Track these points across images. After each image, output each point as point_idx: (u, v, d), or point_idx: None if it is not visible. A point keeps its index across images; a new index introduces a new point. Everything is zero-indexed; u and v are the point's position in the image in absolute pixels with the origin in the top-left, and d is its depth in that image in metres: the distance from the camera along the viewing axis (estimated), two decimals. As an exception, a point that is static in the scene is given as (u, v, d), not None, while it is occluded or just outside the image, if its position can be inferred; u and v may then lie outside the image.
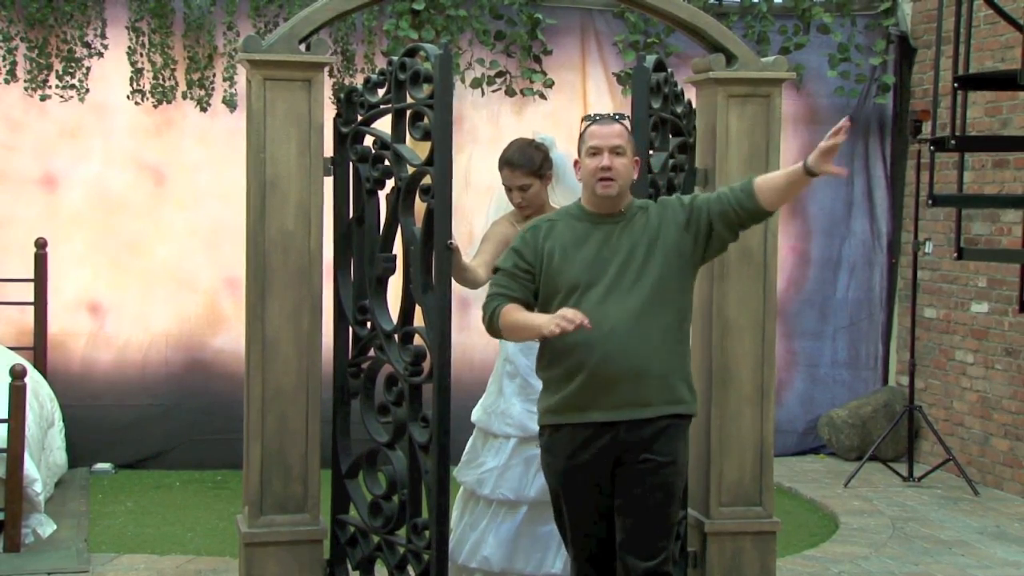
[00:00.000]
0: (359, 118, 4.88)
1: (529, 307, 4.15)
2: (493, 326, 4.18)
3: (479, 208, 6.63)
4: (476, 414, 5.07)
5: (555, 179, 4.98)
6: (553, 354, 4.10)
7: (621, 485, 4.05)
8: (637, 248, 4.07)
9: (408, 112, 4.68)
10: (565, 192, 5.05)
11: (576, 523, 4.14)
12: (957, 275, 8.01)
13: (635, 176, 4.18)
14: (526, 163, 4.85)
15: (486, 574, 4.89)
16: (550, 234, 4.16)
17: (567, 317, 3.89)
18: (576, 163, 4.20)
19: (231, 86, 7.67)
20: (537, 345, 4.22)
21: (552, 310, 4.04)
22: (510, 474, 4.86)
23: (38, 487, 6.02)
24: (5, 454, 5.78)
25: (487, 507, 4.92)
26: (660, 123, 4.91)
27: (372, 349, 4.89)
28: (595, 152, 4.10)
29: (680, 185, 5.01)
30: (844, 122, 3.98)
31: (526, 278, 4.15)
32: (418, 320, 4.74)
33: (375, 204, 4.88)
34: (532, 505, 4.82)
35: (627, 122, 4.25)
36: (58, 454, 7.10)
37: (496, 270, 4.25)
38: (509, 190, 4.91)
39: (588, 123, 4.19)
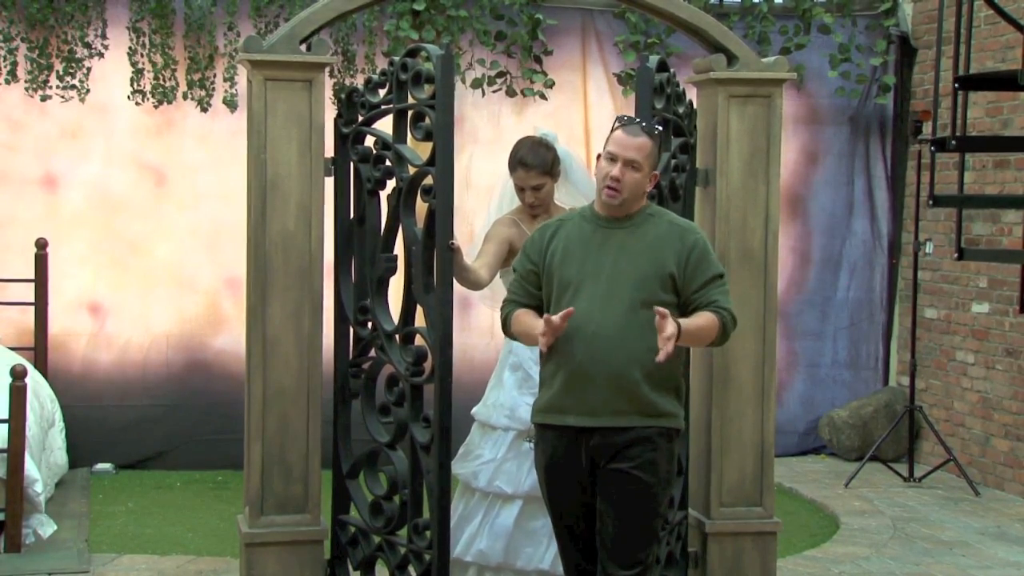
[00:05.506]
0: (360, 118, 4.88)
1: (540, 309, 4.15)
2: (508, 332, 4.26)
3: (480, 208, 6.62)
4: (476, 407, 5.07)
5: (561, 175, 4.98)
6: (546, 352, 4.11)
7: (600, 489, 4.06)
8: (636, 254, 4.05)
9: (410, 112, 4.68)
10: (569, 189, 5.05)
11: (559, 517, 4.17)
12: (958, 275, 8.01)
13: (647, 189, 4.13)
14: (540, 163, 4.85)
15: (482, 568, 4.89)
16: (557, 233, 4.17)
17: (550, 323, 3.91)
18: (599, 157, 4.18)
19: (232, 86, 7.67)
20: None
21: (549, 308, 4.06)
22: (507, 467, 4.86)
23: (39, 487, 6.01)
24: (6, 454, 5.77)
25: (483, 500, 4.91)
26: (662, 123, 4.90)
27: (373, 349, 4.89)
28: (611, 158, 4.07)
29: (682, 185, 5.01)
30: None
31: (531, 278, 4.17)
32: (419, 320, 4.74)
33: (376, 204, 4.88)
34: (527, 499, 4.81)
35: (657, 134, 4.15)
36: (59, 454, 7.10)
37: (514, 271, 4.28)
38: (521, 190, 4.90)
39: (618, 124, 4.12)
